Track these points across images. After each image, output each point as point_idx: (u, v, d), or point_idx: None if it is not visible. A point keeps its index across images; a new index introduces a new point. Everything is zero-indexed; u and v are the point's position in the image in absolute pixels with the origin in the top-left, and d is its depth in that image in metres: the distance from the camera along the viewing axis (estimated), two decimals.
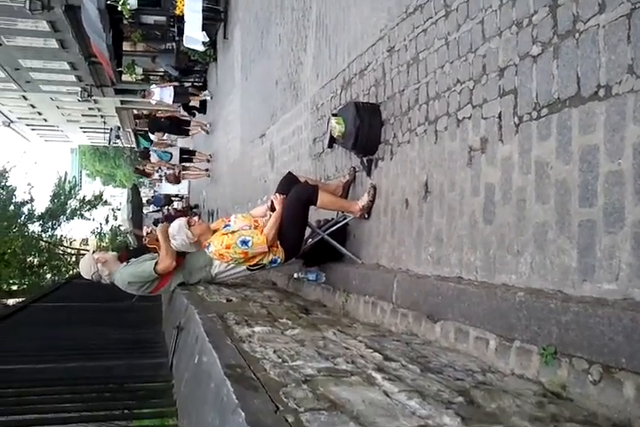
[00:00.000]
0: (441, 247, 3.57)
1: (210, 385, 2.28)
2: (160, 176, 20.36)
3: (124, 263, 5.08)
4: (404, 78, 4.20)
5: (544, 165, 2.66)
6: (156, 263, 4.88)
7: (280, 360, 2.42)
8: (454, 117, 3.47)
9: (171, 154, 18.26)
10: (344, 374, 2.24)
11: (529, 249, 2.74)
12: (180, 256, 5.05)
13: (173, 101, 17.02)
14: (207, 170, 18.20)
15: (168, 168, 18.64)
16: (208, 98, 17.83)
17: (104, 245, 26.74)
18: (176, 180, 18.69)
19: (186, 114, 18.86)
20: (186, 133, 18.39)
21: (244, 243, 4.67)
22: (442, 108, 3.63)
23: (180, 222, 4.92)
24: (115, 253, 5.32)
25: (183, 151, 18.87)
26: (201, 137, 19.95)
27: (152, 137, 18.80)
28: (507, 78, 2.96)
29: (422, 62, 3.92)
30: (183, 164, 18.33)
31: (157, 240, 5.05)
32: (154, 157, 18.62)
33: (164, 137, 18.72)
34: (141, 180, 55.25)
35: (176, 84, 18.00)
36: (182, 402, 2.96)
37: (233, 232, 4.78)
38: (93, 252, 5.19)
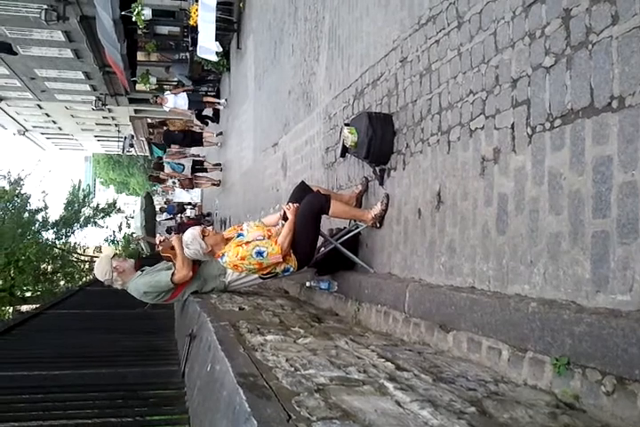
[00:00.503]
0: (453, 257, 3.57)
1: (222, 393, 2.29)
2: (174, 183, 21.43)
3: (139, 272, 5.10)
4: (416, 89, 4.22)
5: (557, 176, 2.67)
6: (172, 273, 4.90)
7: (292, 369, 2.43)
8: (467, 128, 3.48)
9: (183, 166, 18.86)
10: (356, 384, 2.25)
11: (542, 260, 2.74)
12: (196, 265, 5.07)
13: (189, 108, 16.91)
14: (219, 180, 18.91)
15: (180, 179, 19.46)
16: (221, 107, 17.62)
17: (118, 252, 26.83)
18: (190, 184, 19.75)
19: (199, 123, 18.82)
20: (200, 144, 18.90)
21: (259, 254, 4.68)
22: (454, 118, 3.64)
23: (193, 232, 4.93)
24: (132, 260, 5.33)
25: (195, 162, 19.49)
26: (215, 149, 20.05)
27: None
28: (519, 89, 2.97)
29: (435, 73, 3.93)
30: (195, 174, 19.14)
31: (172, 249, 5.07)
32: (167, 169, 19.12)
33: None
34: (154, 188, 55.54)
35: (189, 88, 17.92)
36: (194, 410, 2.97)
37: (247, 243, 4.79)
38: (113, 256, 5.17)
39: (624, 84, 2.30)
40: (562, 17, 2.65)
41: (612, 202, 2.34)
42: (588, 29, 2.49)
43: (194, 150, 22.94)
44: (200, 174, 19.69)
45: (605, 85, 2.39)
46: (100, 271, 5.12)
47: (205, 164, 19.91)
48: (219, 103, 17.63)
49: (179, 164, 19.02)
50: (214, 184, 19.60)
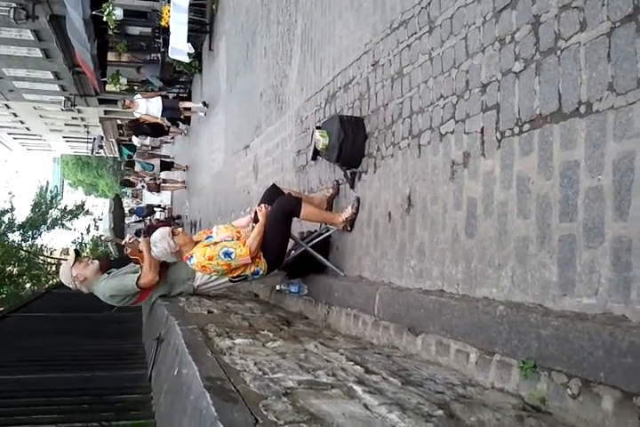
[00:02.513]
0: (423, 260, 3.58)
1: (189, 397, 2.26)
2: (142, 186, 22.87)
3: (105, 275, 5.03)
4: (388, 92, 4.23)
5: (525, 180, 2.69)
6: (138, 277, 4.84)
7: (260, 373, 2.42)
8: (437, 132, 3.50)
9: (153, 165, 19.87)
10: (324, 387, 2.24)
11: (510, 263, 2.76)
12: (163, 269, 5.01)
13: (162, 115, 15.36)
14: (183, 182, 20.48)
15: (150, 178, 20.85)
16: (202, 114, 15.48)
17: (85, 255, 26.52)
18: (157, 188, 21.47)
19: (169, 124, 18.59)
20: (166, 133, 19.51)
21: (227, 254, 4.65)
22: (425, 122, 3.66)
23: (162, 231, 4.90)
24: (96, 262, 5.22)
25: (163, 163, 20.50)
26: (183, 148, 20.85)
27: (135, 140, 19.94)
28: (489, 94, 3.00)
29: (406, 77, 3.95)
30: (162, 172, 20.50)
31: (140, 251, 5.01)
32: (138, 167, 20.11)
33: (147, 141, 20.24)
34: (124, 190, 55.05)
35: (164, 93, 16.84)
36: (161, 414, 2.94)
37: (215, 243, 4.76)
38: (73, 264, 5.03)
39: (591, 89, 2.33)
40: (531, 23, 2.68)
41: (579, 206, 2.36)
42: (556, 35, 2.52)
43: (164, 151, 23.36)
44: (167, 178, 21.31)
45: (573, 91, 2.42)
46: (65, 281, 5.05)
47: (176, 165, 20.83)
48: (199, 109, 15.67)
49: (148, 163, 19.91)
50: (181, 187, 21.10)
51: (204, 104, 14.98)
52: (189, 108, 16.19)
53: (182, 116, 16.97)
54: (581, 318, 2.22)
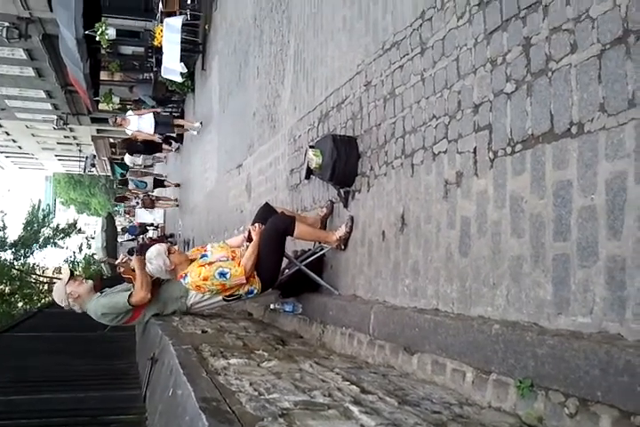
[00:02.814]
0: (417, 279, 3.59)
1: (184, 418, 2.25)
2: (137, 202, 23.00)
3: (98, 294, 5.01)
4: (380, 112, 4.27)
5: (519, 200, 2.71)
6: (130, 295, 4.82)
7: (256, 393, 2.41)
8: (430, 151, 3.53)
9: (146, 183, 20.39)
10: (321, 408, 2.23)
11: (504, 282, 2.78)
12: (155, 287, 5.00)
13: (155, 132, 14.87)
14: (176, 199, 20.88)
15: (144, 194, 21.18)
16: (195, 133, 15.07)
17: (77, 273, 26.36)
18: (151, 204, 21.65)
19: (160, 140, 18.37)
20: (159, 150, 19.47)
21: (222, 275, 4.64)
22: (418, 142, 3.69)
23: (159, 248, 4.87)
24: (90, 281, 5.21)
25: (156, 180, 21.07)
26: (176, 167, 21.39)
27: (127, 159, 19.90)
28: (481, 114, 3.03)
29: (399, 97, 3.99)
30: (156, 189, 21.11)
31: (133, 270, 5.00)
32: (131, 185, 20.71)
33: (139, 160, 20.11)
34: (116, 208, 54.92)
35: (158, 110, 16.04)
36: None
37: (210, 263, 4.75)
38: (67, 282, 5.03)
39: (583, 110, 2.36)
40: (522, 45, 2.72)
41: (572, 225, 2.39)
42: (547, 57, 2.56)
43: (157, 170, 23.55)
44: (160, 196, 21.88)
45: (565, 112, 2.45)
46: (57, 298, 5.02)
47: (166, 182, 21.28)
48: (191, 128, 15.34)
49: (141, 181, 20.42)
50: (173, 205, 21.47)
51: (201, 124, 14.59)
52: (182, 126, 15.92)
53: (175, 134, 16.81)
54: (577, 337, 2.23)
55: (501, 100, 2.87)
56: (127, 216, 30.73)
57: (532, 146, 2.63)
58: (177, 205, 21.13)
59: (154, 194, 22.28)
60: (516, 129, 2.75)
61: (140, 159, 20.13)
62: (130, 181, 20.61)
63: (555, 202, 2.49)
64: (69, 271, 5.23)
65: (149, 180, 20.72)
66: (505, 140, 2.82)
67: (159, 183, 21.12)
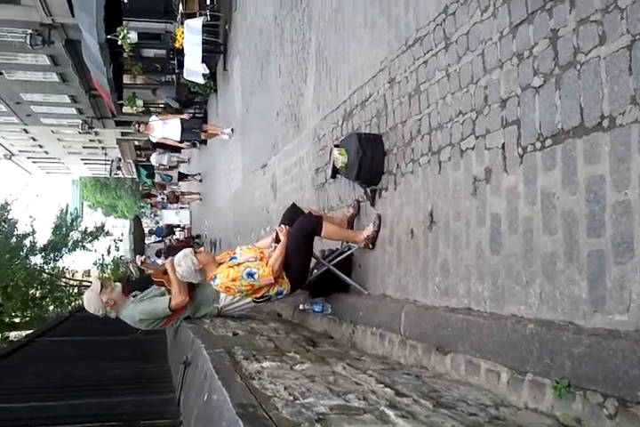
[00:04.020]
0: (448, 278, 3.55)
1: (221, 424, 2.24)
2: (162, 199, 26.35)
3: (131, 299, 5.04)
4: (405, 109, 4.23)
5: (550, 196, 2.67)
6: (169, 300, 4.85)
7: (291, 398, 2.39)
8: (457, 148, 3.49)
9: (171, 176, 23.13)
10: (357, 412, 2.21)
11: (538, 280, 2.73)
12: (192, 290, 5.02)
13: (181, 139, 13.58)
14: (199, 193, 22.60)
15: (169, 191, 24.61)
16: (226, 137, 13.78)
17: (106, 276, 26.67)
18: (175, 199, 24.43)
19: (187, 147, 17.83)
20: (179, 151, 22.21)
21: (250, 275, 4.65)
22: (445, 138, 3.65)
23: (185, 250, 4.95)
24: (119, 284, 5.24)
25: (180, 174, 23.81)
26: (200, 165, 22.45)
27: (153, 159, 21.15)
28: (509, 109, 2.98)
29: (424, 93, 3.95)
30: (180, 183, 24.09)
31: (164, 273, 5.02)
32: (158, 178, 23.51)
33: (165, 161, 21.26)
34: (143, 210, 55.37)
35: (184, 116, 14.40)
36: None
37: (239, 264, 4.77)
38: (100, 290, 5.03)
39: (614, 103, 2.31)
40: (549, 37, 2.67)
41: (607, 221, 2.34)
42: (575, 49, 2.50)
43: (182, 169, 26.69)
44: (184, 191, 24.57)
45: (595, 105, 2.40)
46: (93, 308, 5.01)
47: (190, 177, 23.51)
48: (222, 132, 13.98)
49: (167, 175, 22.87)
50: (197, 199, 23.26)
51: (232, 131, 13.48)
52: (215, 134, 14.46)
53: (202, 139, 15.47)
54: (614, 336, 2.18)
55: (529, 95, 2.82)
56: (155, 209, 31.81)
57: (563, 141, 2.58)
58: (200, 199, 22.40)
59: (178, 189, 25.19)
60: (545, 124, 2.70)
61: (165, 159, 20.64)
62: (157, 175, 23.00)
63: (587, 197, 2.44)
64: (98, 280, 5.25)
65: (174, 173, 22.99)
66: (534, 135, 2.77)
67: (183, 176, 23.63)
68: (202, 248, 5.19)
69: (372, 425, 2.05)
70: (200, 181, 22.09)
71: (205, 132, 14.15)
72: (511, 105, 2.97)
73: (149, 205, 42.06)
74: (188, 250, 4.97)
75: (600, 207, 2.37)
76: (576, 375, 2.27)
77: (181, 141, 13.94)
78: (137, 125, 13.63)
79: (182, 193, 25.12)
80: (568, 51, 2.56)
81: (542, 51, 2.73)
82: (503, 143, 3.03)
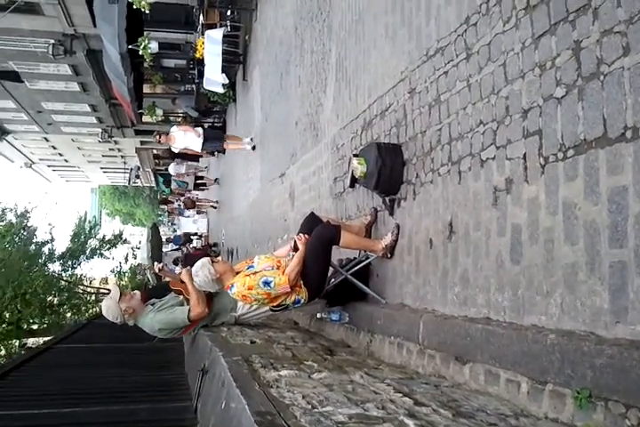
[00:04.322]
0: (467, 287, 3.54)
1: None
2: (179, 205, 27.48)
3: (150, 307, 5.07)
4: (425, 119, 4.24)
5: (572, 206, 2.66)
6: (189, 310, 4.87)
7: (310, 406, 2.39)
8: (478, 158, 3.48)
9: (187, 183, 23.60)
10: (376, 421, 2.21)
11: (559, 290, 2.72)
12: (209, 300, 5.04)
13: (203, 149, 13.45)
14: (217, 202, 23.71)
15: (185, 198, 25.55)
16: (248, 147, 13.21)
17: (124, 283, 26.81)
18: (192, 204, 25.30)
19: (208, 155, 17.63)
20: (197, 160, 22.39)
21: (267, 284, 4.65)
22: (465, 148, 3.65)
23: (202, 260, 4.98)
24: (137, 292, 5.27)
25: (197, 178, 24.46)
26: (218, 173, 23.21)
27: (171, 169, 21.69)
28: (531, 120, 2.98)
29: (444, 104, 3.95)
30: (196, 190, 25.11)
31: (182, 282, 5.05)
32: (174, 185, 24.12)
33: (182, 169, 21.80)
34: (160, 218, 55.65)
35: (199, 131, 13.38)
36: None
37: (255, 273, 4.78)
38: (119, 299, 5.06)
39: (637, 114, 2.30)
40: (572, 48, 2.66)
41: (629, 232, 2.32)
42: (599, 60, 2.50)
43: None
44: (200, 198, 26.02)
45: (618, 116, 2.40)
46: (112, 316, 5.05)
47: (205, 180, 24.86)
48: (244, 144, 13.50)
49: (183, 181, 23.37)
50: (212, 206, 24.49)
51: (252, 140, 13.17)
52: (237, 146, 13.95)
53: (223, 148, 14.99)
54: (637, 347, 2.16)
55: (551, 105, 2.81)
56: (172, 216, 32.61)
57: (585, 151, 2.58)
58: (215, 207, 23.98)
59: (195, 194, 26.35)
60: (567, 134, 2.70)
61: (183, 168, 20.92)
62: (173, 182, 23.57)
63: (610, 208, 2.43)
64: (117, 288, 5.28)
65: (190, 180, 23.50)
66: (556, 145, 2.77)
67: (200, 184, 24.78)
68: (219, 257, 5.19)
69: None
70: (217, 183, 23.13)
71: (225, 145, 13.95)
72: (533, 115, 2.97)
73: (167, 213, 42.94)
74: (205, 259, 4.98)
75: (622, 218, 2.36)
76: (597, 386, 2.26)
77: (202, 151, 13.91)
78: (158, 136, 13.51)
79: (198, 199, 26.66)
80: (591, 62, 2.56)
81: (565, 62, 2.73)
82: (524, 153, 3.02)
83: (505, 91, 3.21)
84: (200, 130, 13.41)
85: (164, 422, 3.69)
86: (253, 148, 12.99)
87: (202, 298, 4.89)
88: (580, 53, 2.61)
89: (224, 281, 4.89)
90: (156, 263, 6.20)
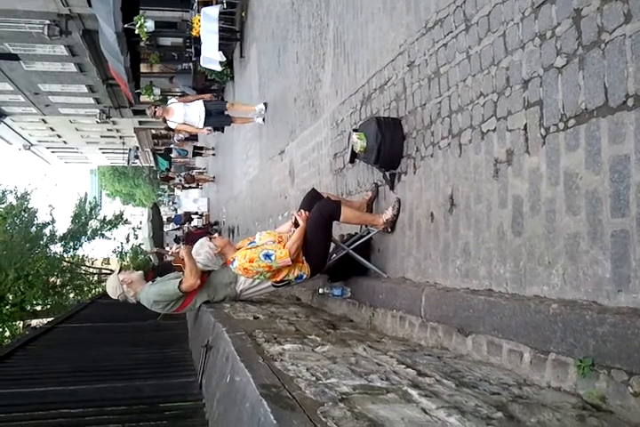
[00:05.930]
0: (469, 260, 3.55)
1: (244, 405, 2.26)
2: (180, 180, 27.71)
3: (150, 282, 5.10)
4: (425, 92, 4.21)
5: (573, 176, 2.65)
6: (180, 282, 4.89)
7: (314, 378, 2.41)
8: (478, 130, 3.46)
9: (187, 151, 25.71)
10: (380, 392, 2.22)
11: (560, 260, 2.72)
12: (205, 274, 5.05)
13: (205, 124, 11.14)
14: (214, 177, 24.49)
15: (185, 174, 26.74)
16: (260, 120, 11.50)
17: (126, 264, 26.95)
18: (192, 179, 26.04)
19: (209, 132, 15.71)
20: (196, 138, 24.58)
21: (267, 256, 4.66)
22: (465, 121, 3.63)
23: (201, 240, 5.02)
24: (140, 271, 5.33)
25: (195, 148, 25.79)
26: (216, 158, 23.68)
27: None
28: (531, 90, 2.96)
29: (444, 76, 3.92)
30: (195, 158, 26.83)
31: (183, 259, 5.07)
32: (174, 153, 26.10)
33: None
34: (160, 198, 55.66)
35: (207, 97, 11.59)
36: (215, 422, 2.95)
37: (257, 247, 4.80)
38: (118, 272, 5.17)
39: (639, 82, 2.28)
40: (572, 17, 2.63)
41: (631, 201, 2.32)
42: (599, 29, 2.48)
43: (197, 163, 30.24)
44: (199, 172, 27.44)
45: (620, 84, 2.38)
46: (112, 289, 5.10)
47: (203, 151, 25.77)
48: (256, 115, 11.67)
49: (183, 149, 25.40)
50: (210, 180, 25.42)
51: (265, 106, 11.33)
52: (244, 120, 12.26)
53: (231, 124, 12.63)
54: (639, 315, 2.17)
55: (552, 75, 2.79)
56: (180, 187, 32.63)
57: (586, 120, 2.56)
58: (213, 181, 24.91)
59: (194, 170, 27.61)
60: (568, 104, 2.68)
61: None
62: (173, 150, 25.50)
63: (612, 177, 2.42)
64: (118, 265, 5.36)
65: (189, 148, 25.04)
66: (557, 115, 2.75)
67: (198, 150, 25.67)
68: (216, 234, 5.24)
69: (395, 404, 2.06)
70: (213, 155, 24.26)
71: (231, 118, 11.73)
72: (533, 86, 2.95)
73: (169, 188, 43.64)
74: (203, 239, 5.06)
75: (624, 187, 2.35)
76: (600, 354, 2.27)
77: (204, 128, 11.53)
78: (153, 108, 11.33)
79: (199, 172, 27.88)
80: (592, 30, 2.53)
81: (565, 31, 2.70)
82: (525, 124, 3.01)
83: (505, 62, 3.19)
84: (208, 97, 11.73)
85: (170, 398, 3.72)
86: (263, 120, 11.48)
87: (195, 271, 4.90)
88: (581, 22, 2.58)
89: (226, 255, 4.92)
90: (175, 246, 6.24)
